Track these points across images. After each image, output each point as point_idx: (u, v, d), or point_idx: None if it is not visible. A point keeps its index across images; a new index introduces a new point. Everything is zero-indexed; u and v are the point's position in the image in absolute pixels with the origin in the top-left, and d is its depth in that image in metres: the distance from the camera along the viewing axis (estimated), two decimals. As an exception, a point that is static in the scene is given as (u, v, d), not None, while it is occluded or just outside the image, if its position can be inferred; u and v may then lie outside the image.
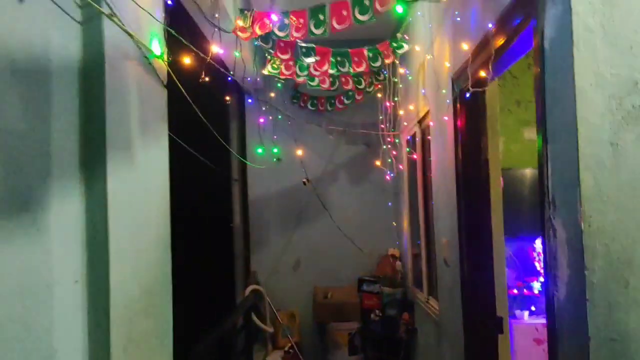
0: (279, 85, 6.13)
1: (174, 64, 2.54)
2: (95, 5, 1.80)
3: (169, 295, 2.40)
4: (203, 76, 2.89)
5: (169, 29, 2.44)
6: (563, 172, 1.88)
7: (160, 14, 2.40)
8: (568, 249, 1.86)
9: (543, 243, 2.08)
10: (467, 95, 3.01)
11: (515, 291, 5.14)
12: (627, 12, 1.76)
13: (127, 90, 2.03)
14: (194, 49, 2.77)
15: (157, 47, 2.33)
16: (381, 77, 5.71)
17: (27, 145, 1.48)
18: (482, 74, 2.75)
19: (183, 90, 2.57)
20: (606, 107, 1.75)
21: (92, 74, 1.81)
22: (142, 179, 2.13)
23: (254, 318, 5.82)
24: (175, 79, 2.52)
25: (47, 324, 1.54)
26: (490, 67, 2.59)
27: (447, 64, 3.54)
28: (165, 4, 2.48)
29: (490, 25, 2.52)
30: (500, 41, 2.53)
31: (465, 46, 3.02)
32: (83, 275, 1.74)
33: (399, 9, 3.33)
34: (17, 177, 1.43)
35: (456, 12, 3.23)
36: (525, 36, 2.30)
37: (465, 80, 3.10)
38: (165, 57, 2.42)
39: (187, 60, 2.72)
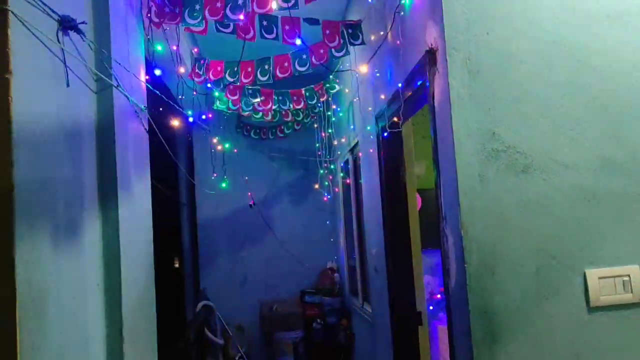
0: (225, 117, 6.78)
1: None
2: (107, 79, 2.42)
3: (153, 297, 3.00)
4: (172, 122, 3.52)
5: (149, 86, 3.07)
6: (449, 196, 2.66)
7: (144, 77, 3.04)
8: (455, 249, 2.63)
9: (440, 246, 2.85)
10: (386, 134, 3.80)
11: (439, 296, 5.96)
12: (485, 85, 2.56)
13: (127, 140, 2.64)
14: (165, 98, 3.40)
15: (142, 103, 2.96)
16: (316, 110, 6.48)
17: (72, 187, 2.09)
18: (395, 119, 3.54)
19: (159, 135, 3.19)
20: (474, 150, 2.54)
21: (105, 130, 2.42)
22: (138, 207, 2.74)
23: (207, 332, 6.34)
24: (154, 126, 3.14)
25: (83, 314, 2.13)
26: (401, 113, 3.38)
27: (370, 108, 4.35)
28: (147, 69, 3.12)
29: (400, 85, 3.32)
30: (407, 95, 3.32)
31: (383, 96, 3.82)
32: (102, 280, 2.34)
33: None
34: (67, 209, 2.04)
35: (376, 70, 4.05)
36: (424, 94, 3.09)
37: (385, 120, 3.89)
38: (145, 109, 3.04)
39: (160, 109, 3.34)
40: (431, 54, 2.77)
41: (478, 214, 2.51)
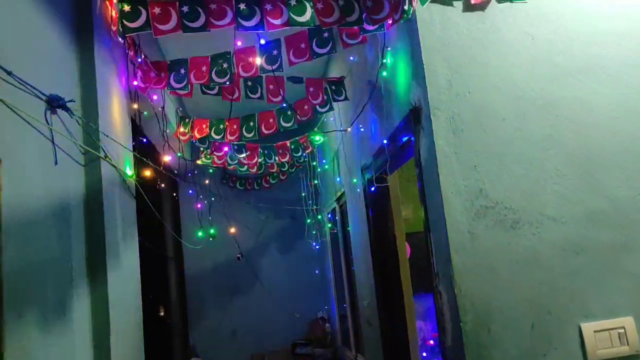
0: (210, 170, 6.78)
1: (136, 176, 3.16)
2: (95, 152, 2.42)
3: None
4: (160, 184, 3.51)
5: (136, 154, 3.08)
6: (440, 253, 2.67)
7: (130, 145, 3.05)
8: (449, 307, 2.62)
9: (434, 304, 2.84)
10: (372, 188, 3.83)
11: (432, 342, 5.88)
12: (470, 142, 2.61)
13: (115, 210, 2.63)
14: (151, 163, 3.40)
15: (129, 170, 2.96)
16: (302, 161, 6.52)
17: (60, 266, 2.06)
18: (382, 174, 3.57)
19: (147, 199, 3.18)
20: (463, 207, 2.56)
21: (93, 203, 2.41)
22: (127, 275, 2.71)
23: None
24: (141, 190, 3.13)
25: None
26: (387, 168, 3.41)
27: (355, 161, 4.39)
28: (134, 136, 3.13)
29: (385, 141, 3.37)
30: (393, 150, 3.37)
31: (368, 150, 3.87)
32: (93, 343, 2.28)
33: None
34: (56, 290, 2.00)
35: (360, 125, 4.11)
36: (410, 149, 3.14)
37: (370, 173, 3.93)
38: (134, 176, 3.04)
39: (147, 172, 3.34)
40: (415, 113, 2.83)
41: (470, 271, 2.52)
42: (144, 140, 3.54)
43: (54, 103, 2.03)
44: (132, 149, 3.06)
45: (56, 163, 2.05)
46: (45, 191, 1.98)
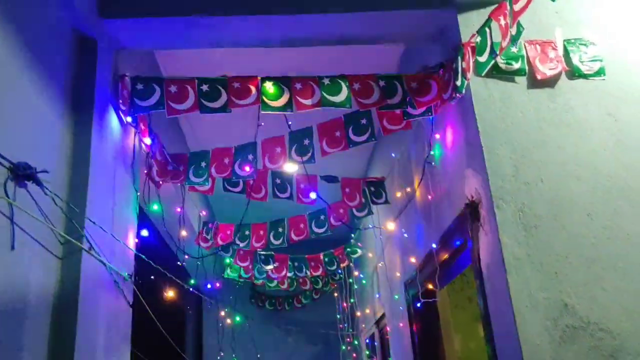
0: (237, 285, 6.22)
1: (140, 285, 2.66)
2: (77, 243, 1.96)
3: None
4: (167, 293, 3.00)
5: (139, 254, 2.61)
6: (514, 392, 1.99)
7: (132, 241, 2.59)
8: None
9: None
10: (419, 304, 3.20)
11: None
12: (546, 242, 2.04)
13: (97, 317, 2.10)
14: (162, 270, 2.91)
15: (128, 269, 2.48)
16: (337, 277, 5.91)
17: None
18: (430, 286, 2.97)
19: (149, 310, 2.65)
20: (543, 327, 1.93)
21: (65, 306, 1.90)
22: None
23: None
24: (141, 298, 2.61)
25: None
26: (436, 280, 2.81)
27: (398, 273, 3.79)
28: (138, 231, 2.69)
29: (434, 246, 2.81)
30: (443, 257, 2.80)
31: (413, 259, 3.29)
32: None
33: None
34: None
35: (403, 229, 3.58)
36: (464, 255, 2.56)
37: (416, 288, 3.31)
38: (132, 279, 2.54)
39: (155, 281, 2.84)
40: (472, 208, 2.30)
41: (559, 420, 1.83)
42: (159, 242, 3.09)
43: (19, 171, 1.61)
44: (134, 247, 2.60)
45: (13, 248, 1.59)
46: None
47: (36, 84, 1.86)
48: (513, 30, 1.99)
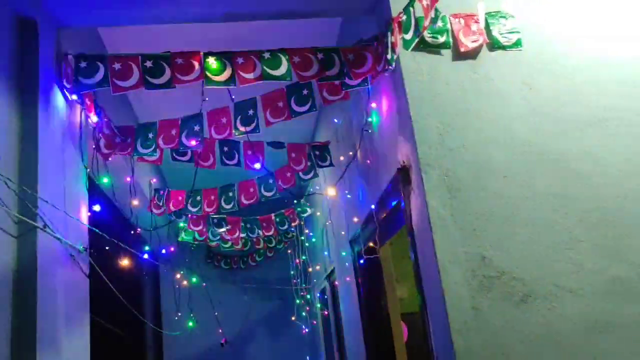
0: (192, 248, 6.37)
1: (96, 256, 2.78)
2: (30, 222, 2.06)
3: None
4: (122, 262, 3.13)
5: (92, 228, 2.72)
6: (439, 335, 2.26)
7: (85, 214, 2.69)
8: (453, 400, 2.17)
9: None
10: (362, 261, 3.44)
11: None
12: (467, 202, 2.27)
13: (55, 289, 2.23)
14: (116, 241, 3.03)
15: (83, 242, 2.59)
16: (289, 235, 6.13)
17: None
18: (371, 244, 3.20)
19: (106, 280, 2.78)
20: (464, 278, 2.18)
21: (25, 282, 2.02)
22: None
23: None
24: (97, 268, 2.74)
25: None
26: (377, 237, 3.05)
27: (343, 232, 4.02)
28: (91, 204, 2.78)
29: (373, 207, 3.03)
30: (382, 216, 3.02)
31: (356, 219, 3.52)
32: None
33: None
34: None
35: (347, 191, 3.79)
36: (400, 214, 2.79)
37: (360, 245, 3.55)
38: (88, 252, 2.66)
39: (107, 248, 2.96)
40: (404, 172, 2.51)
41: (476, 355, 2.10)
42: (113, 212, 3.19)
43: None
44: (87, 221, 2.70)
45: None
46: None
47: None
48: (432, 13, 2.14)
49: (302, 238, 5.87)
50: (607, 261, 2.25)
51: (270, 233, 5.09)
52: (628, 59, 2.50)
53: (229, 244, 5.70)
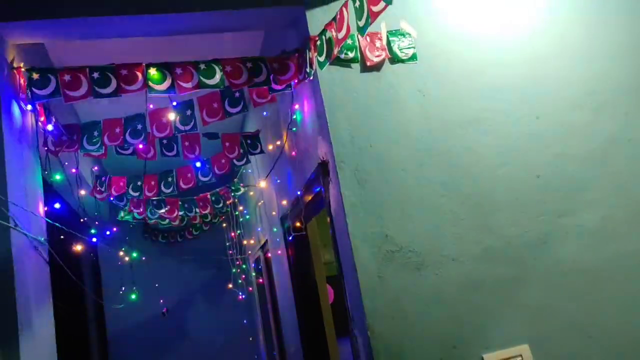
0: (130, 226, 6.66)
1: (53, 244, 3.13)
2: (4, 222, 2.41)
3: None
4: (75, 244, 3.47)
5: (49, 220, 3.05)
6: (353, 298, 2.81)
7: (42, 209, 3.03)
8: (363, 349, 2.75)
9: (351, 347, 2.96)
10: (290, 238, 3.96)
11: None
12: (374, 192, 2.81)
13: (27, 278, 2.59)
14: (65, 228, 3.37)
15: (42, 234, 2.94)
16: (224, 211, 6.56)
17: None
18: (298, 223, 3.72)
19: (63, 264, 3.14)
20: (371, 252, 2.73)
21: (3, 274, 2.38)
22: (40, 339, 2.66)
23: None
24: (54, 255, 3.09)
25: None
26: (302, 217, 3.56)
27: (274, 212, 4.52)
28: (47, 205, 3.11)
29: (299, 192, 3.53)
30: (307, 199, 3.53)
31: (285, 201, 4.02)
32: None
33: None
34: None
35: (276, 177, 4.27)
36: (322, 200, 3.31)
37: (288, 223, 4.07)
38: (45, 241, 3.01)
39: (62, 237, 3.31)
40: (323, 166, 3.01)
41: (382, 314, 2.67)
42: (60, 203, 3.50)
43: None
44: (44, 214, 3.03)
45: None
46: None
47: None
48: (341, 41, 2.61)
49: (237, 213, 6.32)
50: (482, 234, 2.85)
51: (207, 211, 5.51)
52: (495, 69, 3.07)
53: (167, 221, 6.06)
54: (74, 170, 3.90)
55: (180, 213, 5.49)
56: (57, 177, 3.34)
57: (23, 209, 2.60)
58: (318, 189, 3.26)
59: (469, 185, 2.90)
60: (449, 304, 2.74)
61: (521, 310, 2.77)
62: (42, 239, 2.92)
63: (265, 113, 4.29)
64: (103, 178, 4.58)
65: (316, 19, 2.98)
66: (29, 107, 2.88)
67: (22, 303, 2.45)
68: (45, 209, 3.12)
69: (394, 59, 3.00)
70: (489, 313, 2.74)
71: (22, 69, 2.82)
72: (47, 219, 3.04)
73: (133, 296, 6.10)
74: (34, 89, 2.82)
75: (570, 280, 2.83)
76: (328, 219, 3.11)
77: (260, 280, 6.21)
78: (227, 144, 4.18)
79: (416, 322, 2.69)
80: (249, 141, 4.19)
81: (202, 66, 3.01)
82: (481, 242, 2.84)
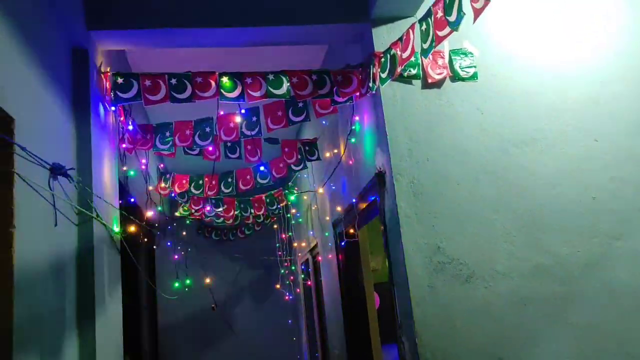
0: (187, 222, 6.97)
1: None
2: (89, 213, 2.65)
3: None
4: (142, 238, 3.72)
5: (123, 212, 3.31)
6: (403, 306, 2.93)
7: (117, 203, 3.28)
8: (410, 355, 2.86)
9: (397, 352, 3.07)
10: (343, 243, 4.10)
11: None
12: (428, 205, 2.92)
13: (104, 265, 2.83)
14: (134, 219, 3.62)
15: (116, 227, 3.19)
16: (276, 212, 6.77)
17: (56, 316, 2.26)
18: (351, 230, 3.86)
19: (130, 253, 3.39)
20: (423, 262, 2.85)
21: (85, 259, 2.62)
22: (111, 324, 2.90)
23: None
24: (125, 245, 3.34)
25: None
26: (356, 224, 3.70)
27: (327, 217, 4.67)
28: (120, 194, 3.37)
29: (354, 200, 3.67)
30: (361, 207, 3.67)
31: (339, 208, 4.17)
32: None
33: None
34: (54, 335, 2.20)
35: (332, 183, 4.42)
36: (376, 208, 3.44)
37: (341, 229, 4.21)
38: (120, 233, 3.26)
39: (132, 229, 3.56)
40: (380, 176, 3.14)
41: (430, 322, 2.77)
42: (130, 199, 3.77)
43: (57, 171, 2.27)
44: (118, 208, 3.29)
45: (56, 224, 2.28)
46: (47, 250, 2.20)
47: (55, 97, 2.47)
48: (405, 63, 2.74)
49: (289, 216, 6.51)
50: (533, 252, 2.92)
51: (261, 212, 5.72)
52: (554, 90, 3.13)
53: (222, 220, 6.31)
54: (143, 167, 4.16)
55: (236, 212, 5.72)
56: (131, 172, 3.60)
57: (105, 201, 2.85)
58: (373, 198, 3.39)
59: (522, 202, 2.97)
60: (496, 318, 2.81)
61: (568, 329, 2.81)
62: (118, 230, 3.17)
63: (324, 122, 4.46)
64: (167, 175, 4.86)
65: (381, 36, 3.12)
66: (112, 108, 3.14)
67: (99, 290, 2.69)
68: (120, 202, 3.37)
69: (455, 77, 3.10)
70: (536, 329, 2.80)
71: (109, 74, 3.08)
72: (121, 211, 3.30)
73: (188, 281, 6.31)
74: (117, 92, 3.07)
75: (619, 302, 2.86)
76: (381, 228, 3.24)
77: (308, 283, 6.38)
78: (286, 149, 4.37)
79: (463, 333, 2.78)
80: (306, 148, 4.36)
81: (271, 77, 3.20)
82: (532, 259, 2.90)
